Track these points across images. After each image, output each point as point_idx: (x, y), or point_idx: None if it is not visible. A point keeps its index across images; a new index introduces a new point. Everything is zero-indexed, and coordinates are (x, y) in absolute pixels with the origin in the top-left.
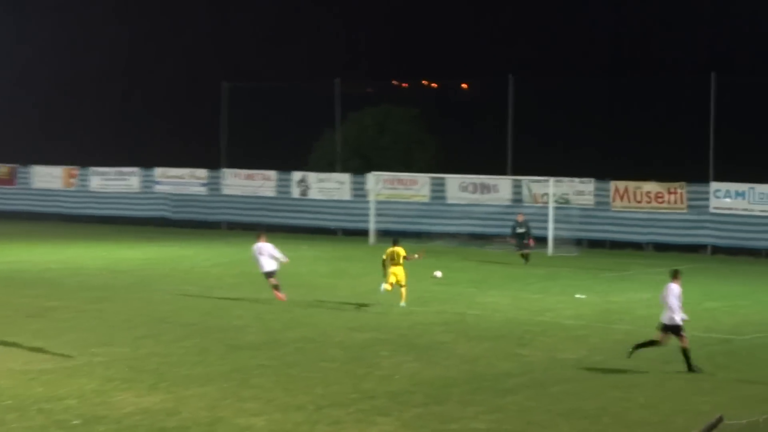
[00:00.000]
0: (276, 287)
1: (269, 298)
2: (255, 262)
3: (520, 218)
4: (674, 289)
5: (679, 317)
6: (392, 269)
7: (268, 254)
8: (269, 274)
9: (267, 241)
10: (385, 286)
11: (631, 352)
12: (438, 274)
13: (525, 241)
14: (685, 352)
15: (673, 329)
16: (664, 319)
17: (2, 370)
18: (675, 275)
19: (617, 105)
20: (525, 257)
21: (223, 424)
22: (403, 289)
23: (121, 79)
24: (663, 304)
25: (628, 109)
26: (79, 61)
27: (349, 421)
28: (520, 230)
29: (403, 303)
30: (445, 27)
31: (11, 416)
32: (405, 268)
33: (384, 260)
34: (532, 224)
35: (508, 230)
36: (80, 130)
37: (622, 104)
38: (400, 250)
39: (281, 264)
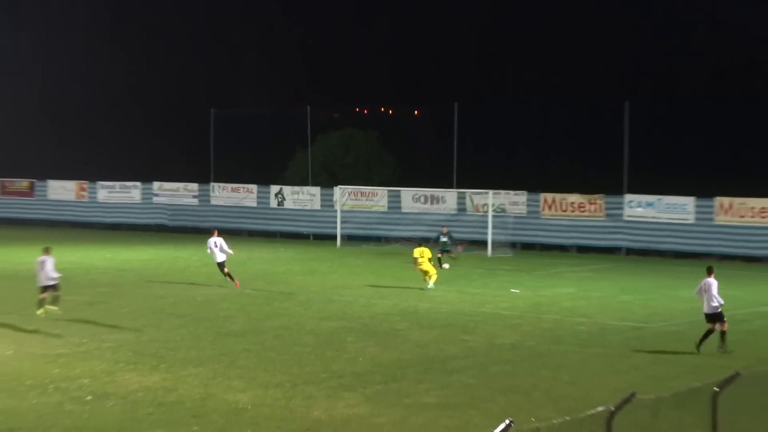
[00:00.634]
0: (230, 275)
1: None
2: (211, 253)
3: (444, 230)
4: (714, 283)
5: (717, 303)
6: (421, 266)
7: (220, 248)
8: (222, 265)
9: (219, 236)
10: (430, 282)
11: (699, 347)
12: (446, 266)
13: (449, 249)
14: (723, 335)
15: (717, 316)
16: (707, 309)
17: (24, 354)
18: (711, 271)
19: (546, 129)
20: (451, 259)
21: (213, 399)
22: (434, 276)
23: (125, 105)
24: (700, 297)
25: (556, 132)
26: (86, 89)
27: (320, 397)
28: (444, 239)
29: (431, 285)
30: (400, 61)
31: (32, 393)
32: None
33: (415, 258)
34: (474, 230)
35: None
36: (90, 149)
37: (550, 128)
38: (427, 251)
39: (229, 256)
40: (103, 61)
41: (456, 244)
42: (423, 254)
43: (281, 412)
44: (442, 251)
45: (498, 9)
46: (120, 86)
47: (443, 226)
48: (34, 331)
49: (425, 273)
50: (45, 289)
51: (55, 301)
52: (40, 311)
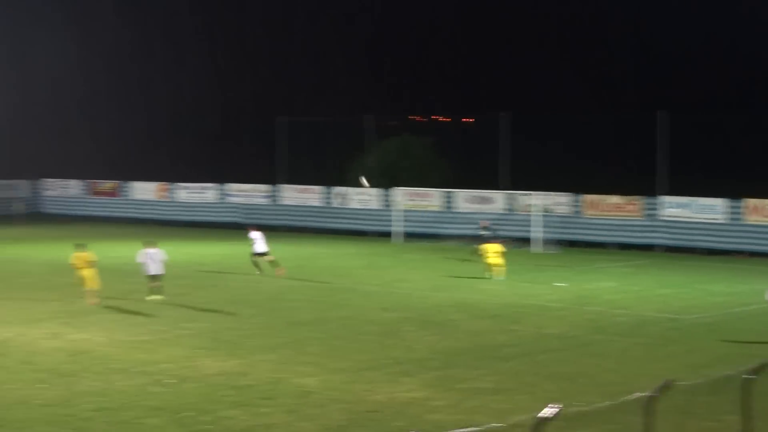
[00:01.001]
0: (258, 265)
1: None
2: (252, 245)
3: (484, 224)
4: None
5: None
6: (490, 259)
7: (261, 240)
8: (264, 254)
9: (257, 230)
10: (491, 274)
11: None
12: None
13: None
14: None
15: None
16: None
17: (111, 340)
18: None
19: (588, 136)
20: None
21: (284, 383)
22: (497, 269)
23: (201, 113)
24: None
25: (596, 139)
26: (165, 99)
27: (381, 381)
28: (483, 233)
29: (502, 277)
30: (455, 74)
31: (118, 376)
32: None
33: (481, 254)
34: (522, 228)
35: (476, 232)
36: (169, 153)
37: (591, 135)
38: (494, 246)
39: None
40: (182, 74)
41: (497, 239)
42: (492, 249)
43: (346, 395)
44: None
45: (542, 25)
46: (196, 96)
47: (481, 221)
48: (122, 320)
49: (492, 265)
50: (153, 278)
51: (159, 291)
52: (151, 298)
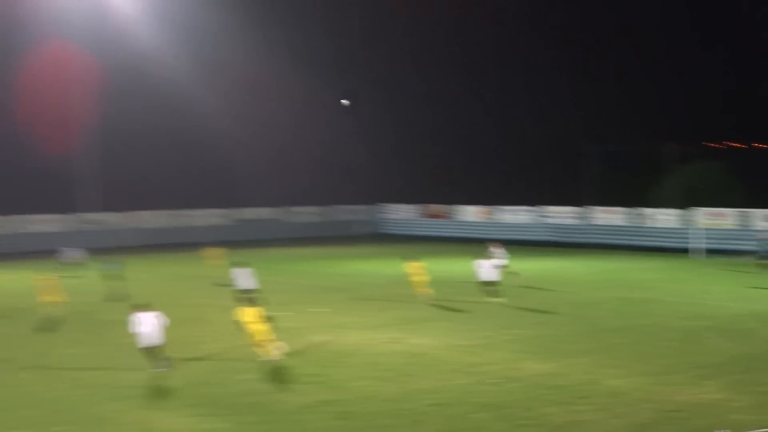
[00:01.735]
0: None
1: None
2: (496, 259)
3: (763, 236)
4: None
5: None
6: None
7: (501, 255)
8: (504, 267)
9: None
10: None
11: None
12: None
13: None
14: None
15: None
16: None
17: (445, 344)
18: None
19: None
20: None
21: (596, 384)
22: None
23: (515, 144)
24: None
25: None
26: (484, 132)
27: (683, 384)
28: (760, 247)
29: None
30: (747, 102)
31: (453, 376)
32: None
33: None
34: None
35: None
36: (490, 183)
37: None
38: None
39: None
40: (502, 111)
41: None
42: None
43: (652, 395)
44: (763, 258)
45: None
46: (512, 129)
47: (759, 233)
48: (453, 327)
49: None
50: (487, 284)
51: (495, 294)
52: (489, 300)
